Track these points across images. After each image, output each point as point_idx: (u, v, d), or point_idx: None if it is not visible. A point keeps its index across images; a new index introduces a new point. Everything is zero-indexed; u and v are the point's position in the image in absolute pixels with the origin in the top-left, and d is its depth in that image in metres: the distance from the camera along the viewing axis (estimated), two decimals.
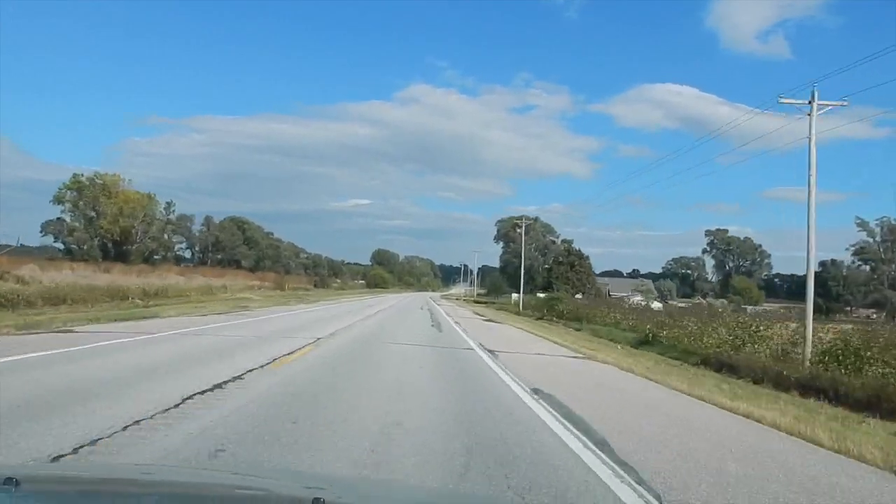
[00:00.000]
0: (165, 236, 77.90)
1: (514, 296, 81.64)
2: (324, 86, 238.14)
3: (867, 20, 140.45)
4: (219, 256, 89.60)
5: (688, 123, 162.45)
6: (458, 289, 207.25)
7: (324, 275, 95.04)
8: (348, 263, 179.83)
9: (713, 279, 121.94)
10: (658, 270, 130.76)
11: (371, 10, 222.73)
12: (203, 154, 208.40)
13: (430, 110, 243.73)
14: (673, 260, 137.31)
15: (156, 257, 74.39)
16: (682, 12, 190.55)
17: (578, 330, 34.39)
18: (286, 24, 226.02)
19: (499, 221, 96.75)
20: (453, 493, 4.27)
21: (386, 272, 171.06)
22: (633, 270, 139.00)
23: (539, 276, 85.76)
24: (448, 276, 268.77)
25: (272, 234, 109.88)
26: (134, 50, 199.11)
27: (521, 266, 68.71)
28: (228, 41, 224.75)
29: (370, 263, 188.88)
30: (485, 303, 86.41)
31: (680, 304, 70.76)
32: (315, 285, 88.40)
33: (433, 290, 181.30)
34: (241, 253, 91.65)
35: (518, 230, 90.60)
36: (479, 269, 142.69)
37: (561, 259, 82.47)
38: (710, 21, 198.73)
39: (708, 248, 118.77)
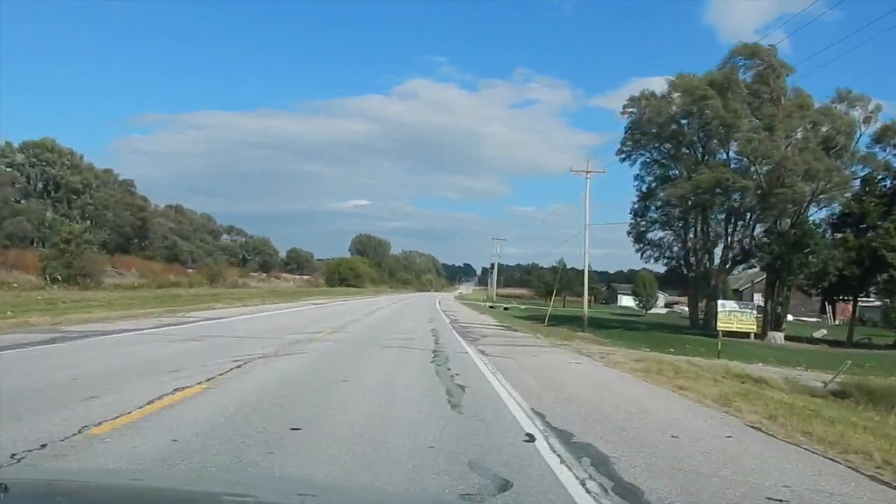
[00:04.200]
0: None
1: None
2: (321, 82, 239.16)
3: (865, 14, 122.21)
4: None
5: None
6: (466, 288, 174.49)
7: (97, 263, 38.24)
8: (328, 260, 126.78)
9: None
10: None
11: (367, 7, 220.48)
12: (200, 151, 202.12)
13: (430, 105, 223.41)
14: None
15: None
16: (679, 8, 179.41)
17: None
18: (285, 21, 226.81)
19: (629, 99, 41.03)
20: (442, 503, 4.12)
21: (366, 264, 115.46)
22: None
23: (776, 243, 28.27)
24: (452, 274, 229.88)
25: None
26: (129, 48, 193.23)
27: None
28: (227, 37, 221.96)
29: (351, 255, 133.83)
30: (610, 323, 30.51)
31: None
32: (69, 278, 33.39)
33: (436, 290, 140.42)
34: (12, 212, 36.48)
35: (708, 97, 35.94)
36: (482, 268, 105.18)
37: (869, 186, 26.89)
38: (709, 17, 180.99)
39: None
